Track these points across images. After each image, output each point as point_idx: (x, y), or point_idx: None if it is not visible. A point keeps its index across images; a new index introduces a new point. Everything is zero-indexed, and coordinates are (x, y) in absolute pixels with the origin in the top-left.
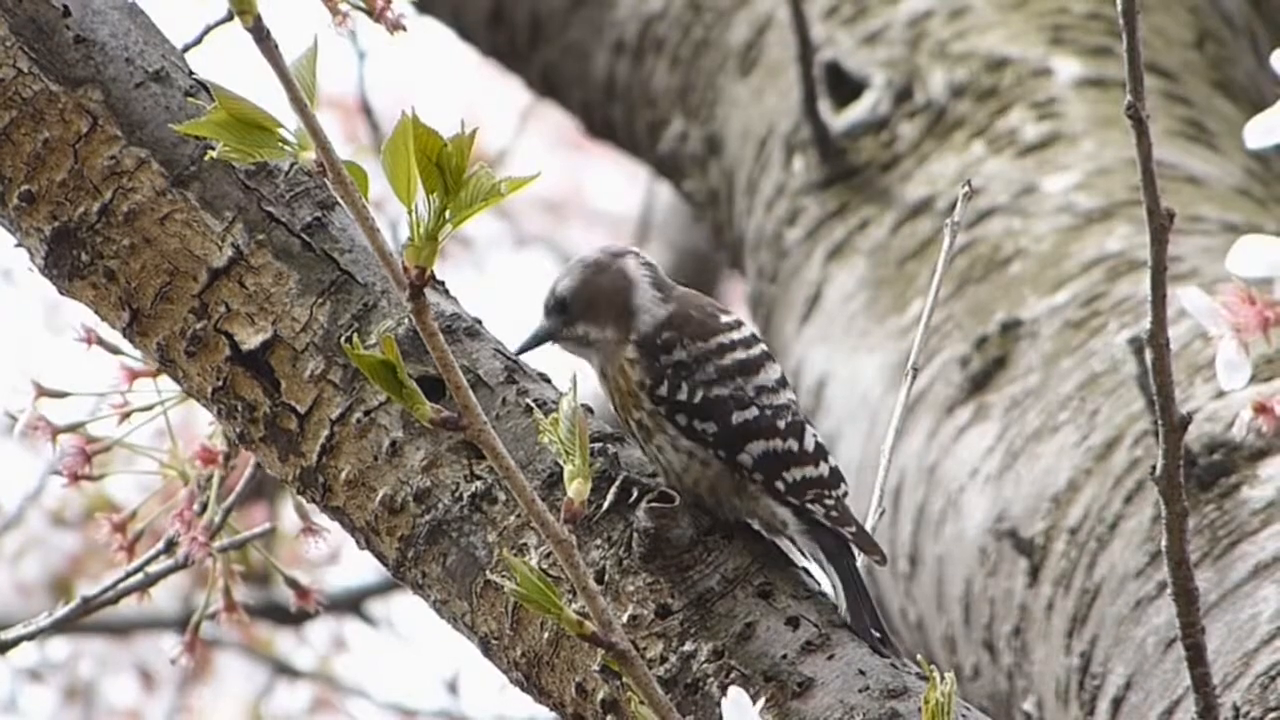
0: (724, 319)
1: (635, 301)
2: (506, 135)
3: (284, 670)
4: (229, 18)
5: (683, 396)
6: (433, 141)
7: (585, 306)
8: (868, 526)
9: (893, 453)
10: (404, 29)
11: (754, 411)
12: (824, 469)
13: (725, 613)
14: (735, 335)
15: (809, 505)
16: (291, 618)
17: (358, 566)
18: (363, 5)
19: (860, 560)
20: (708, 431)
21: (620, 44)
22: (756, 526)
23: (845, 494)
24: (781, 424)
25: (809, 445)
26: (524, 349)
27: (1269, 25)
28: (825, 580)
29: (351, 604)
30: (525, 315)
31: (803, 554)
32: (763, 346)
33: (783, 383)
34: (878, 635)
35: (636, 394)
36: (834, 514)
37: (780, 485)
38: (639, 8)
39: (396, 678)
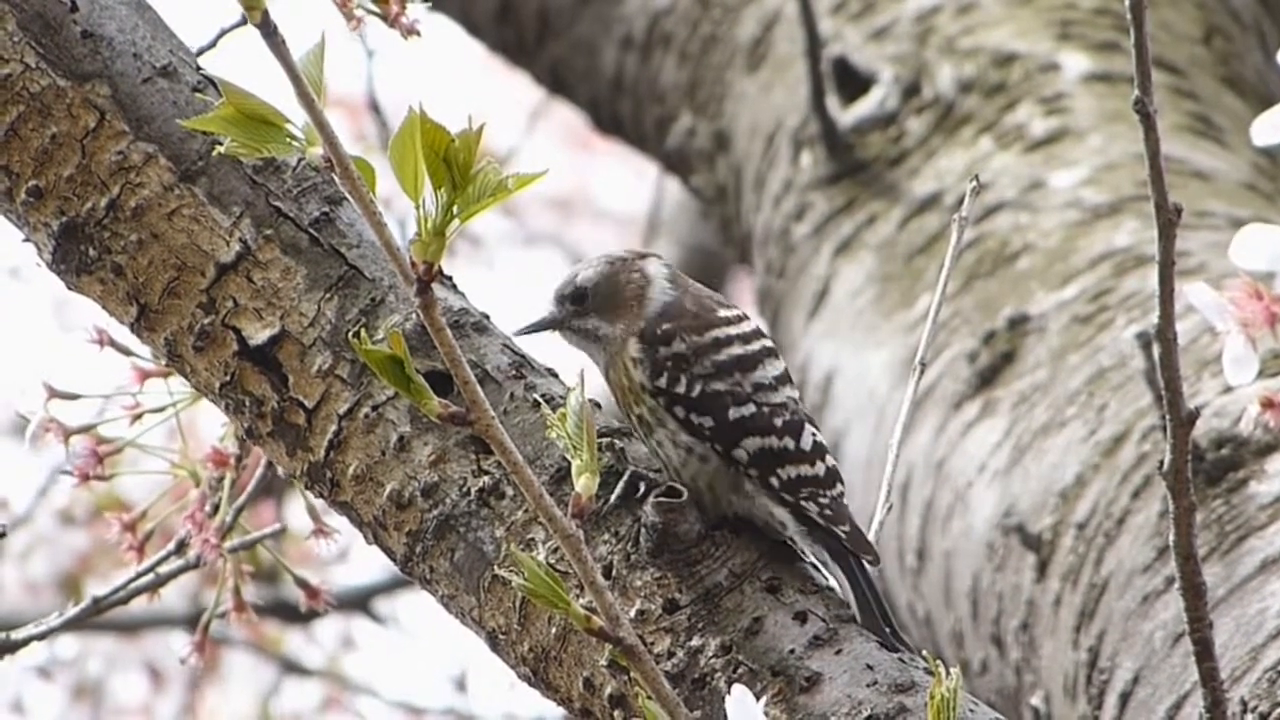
0: (724, 313)
1: (649, 302)
2: (515, 134)
3: (292, 668)
4: (242, 21)
5: (681, 389)
6: (440, 137)
7: (603, 300)
8: (875, 522)
9: (900, 448)
10: (418, 34)
11: (751, 408)
12: (820, 468)
13: (733, 608)
14: (734, 330)
15: (803, 503)
16: (300, 616)
17: (365, 565)
18: (377, 10)
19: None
20: (705, 426)
21: (628, 39)
22: (759, 526)
23: (841, 494)
24: (778, 421)
25: (806, 444)
26: (527, 331)
27: (1277, 21)
28: (831, 579)
29: (359, 602)
30: (533, 312)
31: (805, 554)
32: (765, 342)
33: (783, 379)
34: (888, 629)
35: (638, 391)
36: (828, 513)
37: (775, 481)
38: (647, 3)
39: (405, 676)
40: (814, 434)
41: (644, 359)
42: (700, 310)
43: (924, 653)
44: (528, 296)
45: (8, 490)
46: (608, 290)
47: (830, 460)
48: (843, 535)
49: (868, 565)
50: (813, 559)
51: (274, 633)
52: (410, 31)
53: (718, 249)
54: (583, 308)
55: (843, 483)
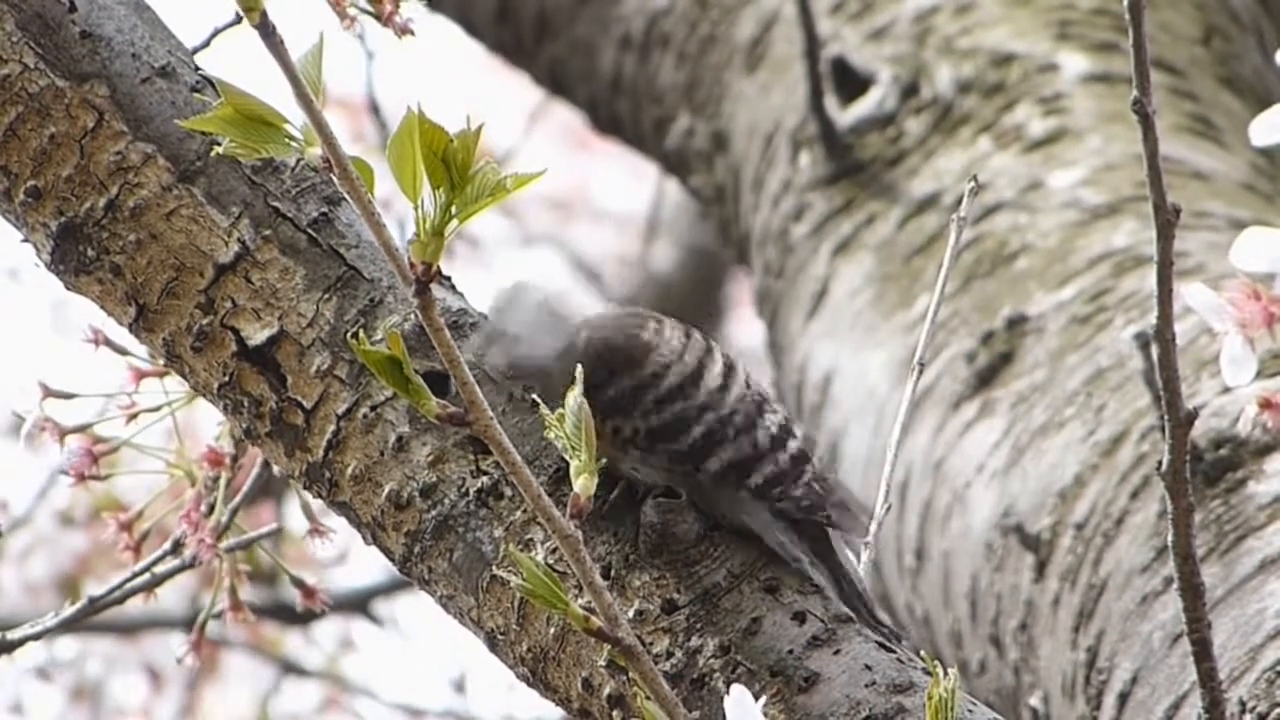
0: (649, 337)
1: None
2: (514, 136)
3: (291, 670)
4: (237, 20)
5: (629, 431)
6: (438, 137)
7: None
8: (874, 522)
9: (899, 448)
10: (412, 33)
11: (702, 427)
12: (784, 459)
13: (731, 608)
14: (668, 351)
15: (779, 504)
16: (299, 618)
17: (365, 566)
18: (370, 9)
19: (866, 559)
20: (665, 454)
21: (627, 40)
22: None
23: (813, 471)
24: (731, 431)
25: (763, 441)
26: None
27: (1276, 21)
28: (815, 578)
29: (358, 604)
30: None
31: (788, 558)
32: (697, 343)
33: (729, 374)
34: (882, 628)
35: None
36: (805, 504)
37: (744, 492)
38: (645, 4)
39: (404, 677)
40: (769, 422)
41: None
42: (627, 345)
43: (922, 653)
44: None
45: (7, 492)
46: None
47: (794, 443)
48: (824, 520)
49: (881, 562)
50: (792, 562)
51: (273, 634)
52: (404, 31)
53: (716, 250)
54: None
55: (812, 456)
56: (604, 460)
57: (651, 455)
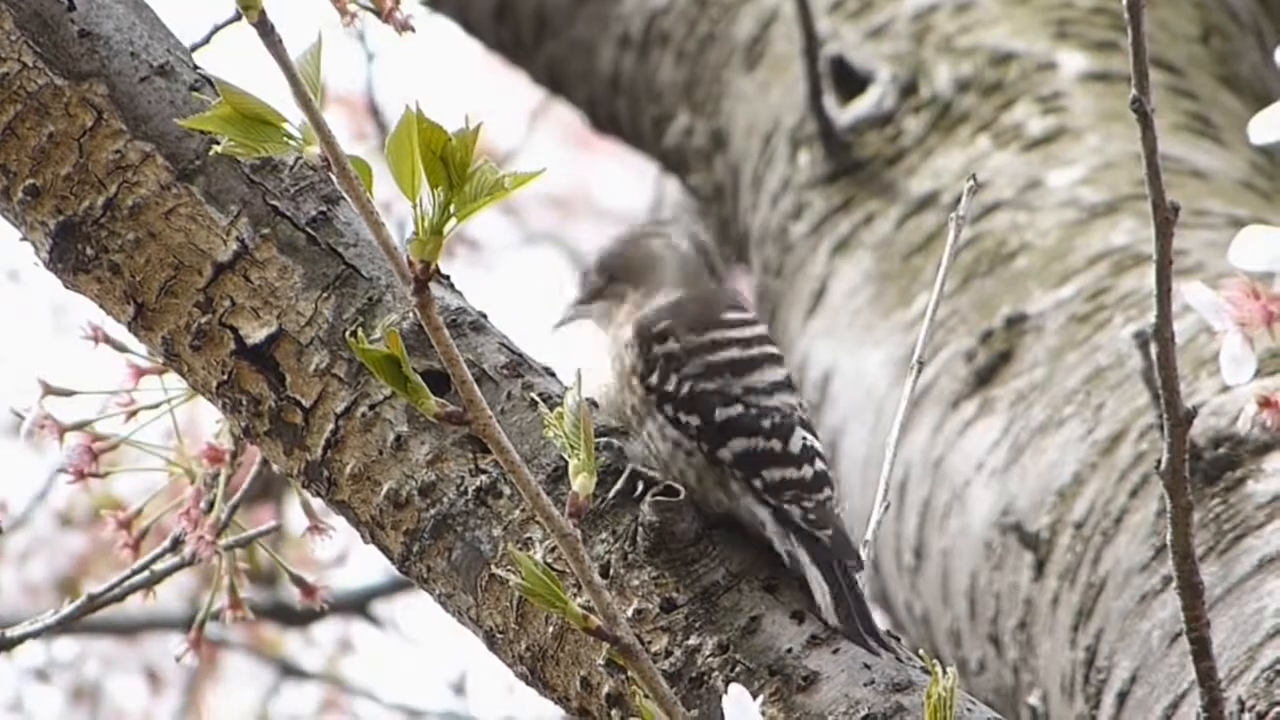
0: (729, 315)
1: (658, 277)
2: (516, 136)
3: (291, 671)
4: (236, 17)
5: (670, 388)
6: (437, 136)
7: (625, 268)
8: (873, 520)
9: (898, 447)
10: (412, 30)
11: (738, 409)
12: (807, 472)
13: (730, 607)
14: (734, 333)
15: (786, 506)
16: (298, 619)
17: (364, 568)
18: (371, 5)
19: (864, 555)
20: (691, 424)
21: (626, 38)
22: (743, 524)
23: (829, 498)
24: (766, 423)
25: (794, 447)
26: (562, 322)
27: (1275, 20)
28: (810, 581)
29: (358, 605)
30: (533, 312)
31: (783, 555)
32: (768, 349)
33: (781, 386)
34: (873, 638)
35: (630, 379)
36: (811, 517)
37: (758, 483)
38: (644, 2)
39: (403, 679)
40: (805, 438)
41: (637, 346)
42: (703, 309)
43: (921, 652)
44: (527, 296)
45: (7, 492)
46: (629, 259)
47: (820, 465)
48: (825, 539)
49: (852, 570)
50: (787, 559)
51: (272, 635)
52: (404, 27)
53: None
54: (604, 279)
55: (833, 487)
56: (606, 458)
57: (675, 426)
